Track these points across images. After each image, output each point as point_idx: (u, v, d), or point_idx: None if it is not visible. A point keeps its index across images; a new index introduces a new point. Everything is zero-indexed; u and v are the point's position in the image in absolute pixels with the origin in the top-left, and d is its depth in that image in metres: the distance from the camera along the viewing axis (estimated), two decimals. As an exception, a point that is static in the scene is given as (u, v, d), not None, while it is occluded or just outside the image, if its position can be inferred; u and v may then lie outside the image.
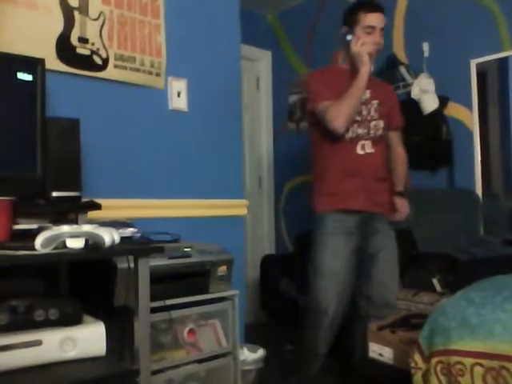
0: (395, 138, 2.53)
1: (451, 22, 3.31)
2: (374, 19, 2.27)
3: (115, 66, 2.25)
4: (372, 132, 2.35)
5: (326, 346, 2.30)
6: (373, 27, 2.26)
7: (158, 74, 2.41)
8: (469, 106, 3.22)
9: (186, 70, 2.52)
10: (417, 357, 1.75)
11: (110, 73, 2.24)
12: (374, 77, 2.42)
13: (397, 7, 3.59)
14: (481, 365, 1.56)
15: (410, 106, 3.29)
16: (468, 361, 1.59)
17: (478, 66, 3.21)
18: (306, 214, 4.09)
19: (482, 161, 3.16)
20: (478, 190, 3.13)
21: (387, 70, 3.53)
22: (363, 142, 2.33)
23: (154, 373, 1.66)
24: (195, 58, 2.56)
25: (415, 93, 3.28)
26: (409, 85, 3.40)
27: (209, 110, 2.60)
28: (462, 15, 3.26)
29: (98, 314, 1.59)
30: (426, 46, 3.38)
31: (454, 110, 3.27)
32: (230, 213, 2.60)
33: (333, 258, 2.29)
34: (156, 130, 2.41)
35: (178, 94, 2.49)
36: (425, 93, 3.23)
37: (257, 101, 4.42)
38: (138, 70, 2.33)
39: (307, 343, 2.30)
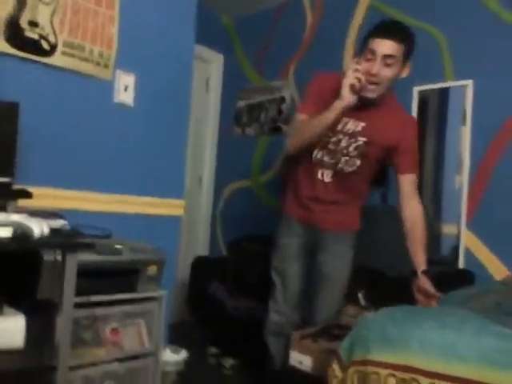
0: (407, 185, 2.16)
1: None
2: (374, 44, 1.96)
3: (63, 53, 2.20)
4: (339, 166, 2.19)
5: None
6: (373, 53, 1.96)
7: (105, 66, 2.37)
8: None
9: (136, 65, 2.49)
10: (335, 366, 1.80)
11: (57, 59, 2.19)
12: (386, 108, 2.14)
13: (350, 27, 3.69)
14: (394, 376, 1.64)
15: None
16: (383, 372, 1.66)
17: (421, 93, 3.34)
18: (243, 219, 4.14)
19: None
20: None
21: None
22: (324, 170, 2.21)
23: (72, 369, 1.63)
24: (147, 53, 2.54)
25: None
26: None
27: (155, 106, 2.58)
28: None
29: (19, 306, 1.55)
30: (373, 68, 3.49)
31: (394, 132, 3.39)
32: (166, 212, 2.58)
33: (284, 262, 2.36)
34: (99, 121, 2.37)
35: (125, 88, 2.46)
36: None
37: (204, 102, 4.42)
38: (86, 59, 2.29)
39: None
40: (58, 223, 1.80)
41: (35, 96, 2.11)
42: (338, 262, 2.32)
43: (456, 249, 3.02)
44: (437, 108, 3.49)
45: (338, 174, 2.21)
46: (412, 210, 2.16)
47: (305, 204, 2.33)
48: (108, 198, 2.36)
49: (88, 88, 2.32)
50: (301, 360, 2.01)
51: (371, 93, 2.02)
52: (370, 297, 2.63)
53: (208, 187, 4.42)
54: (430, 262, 2.91)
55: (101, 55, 2.34)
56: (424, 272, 2.11)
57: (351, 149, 2.14)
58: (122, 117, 2.45)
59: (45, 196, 2.06)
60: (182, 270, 3.65)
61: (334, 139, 2.15)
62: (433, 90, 3.35)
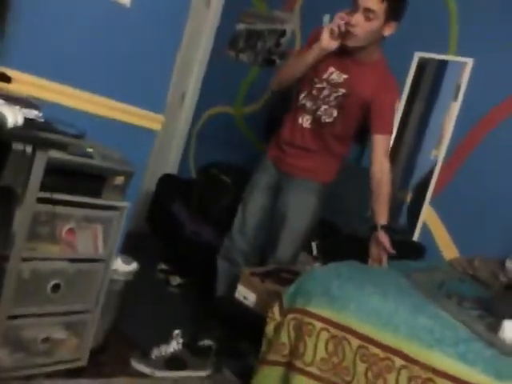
0: (377, 145, 2.25)
1: (409, 8, 3.33)
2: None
3: None
4: (318, 114, 2.29)
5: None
6: (357, 5, 2.09)
7: (109, -42, 2.24)
8: (399, 94, 3.33)
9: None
10: (275, 309, 1.89)
11: None
12: (372, 66, 2.24)
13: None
14: (328, 330, 1.73)
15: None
16: (318, 325, 1.75)
17: (420, 59, 3.30)
18: (218, 146, 4.11)
19: (392, 148, 3.31)
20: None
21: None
22: (305, 115, 2.31)
23: (24, 260, 1.65)
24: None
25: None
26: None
27: (152, 11, 2.46)
28: (421, 6, 3.30)
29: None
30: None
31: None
32: (143, 124, 2.53)
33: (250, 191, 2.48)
34: (92, 18, 2.25)
35: (125, -13, 2.34)
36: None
37: (202, 18, 4.26)
38: None
39: None
40: (33, 114, 1.76)
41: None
42: (298, 207, 2.37)
43: (414, 220, 3.10)
44: (432, 77, 3.48)
45: (315, 122, 2.30)
46: (380, 169, 2.24)
47: (281, 146, 2.42)
48: (88, 96, 2.30)
49: (86, -21, 2.20)
50: (246, 295, 2.09)
51: (350, 42, 2.15)
52: (323, 248, 2.71)
53: (189, 105, 4.35)
54: (386, 227, 3.00)
55: None
56: (384, 227, 2.18)
57: (331, 98, 2.23)
58: (116, 16, 2.34)
59: (24, 82, 1.99)
60: (148, 184, 3.64)
61: (318, 86, 2.26)
62: (433, 59, 3.32)
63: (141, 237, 3.42)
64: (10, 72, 1.83)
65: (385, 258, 2.17)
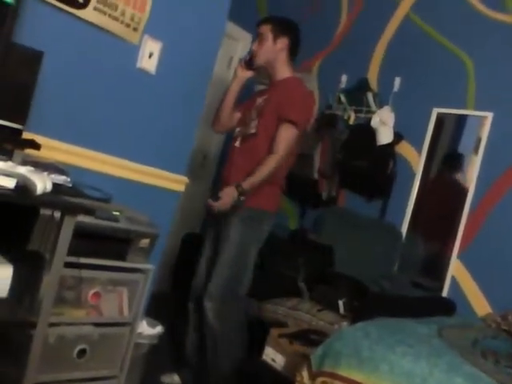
0: (277, 133, 2.38)
1: (427, 66, 3.42)
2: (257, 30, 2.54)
3: (95, 9, 2.17)
4: (246, 131, 2.48)
5: None
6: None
7: (135, 29, 2.34)
8: (419, 149, 3.35)
9: (164, 33, 2.46)
10: (304, 372, 1.83)
11: (89, 14, 2.16)
12: (286, 81, 2.51)
13: (383, 34, 3.65)
14: (359, 394, 1.66)
15: (366, 132, 3.39)
16: (348, 388, 1.69)
17: (439, 114, 3.33)
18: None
19: (415, 203, 3.30)
20: (404, 229, 3.27)
21: (356, 91, 3.61)
22: (238, 137, 2.51)
23: (50, 325, 1.63)
24: (177, 22, 2.50)
25: (375, 122, 3.37)
26: (371, 112, 3.48)
27: (176, 78, 2.56)
28: (440, 63, 3.37)
29: (8, 253, 1.55)
30: (397, 81, 3.48)
31: (405, 149, 3.40)
32: (168, 186, 2.58)
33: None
34: (118, 83, 2.35)
35: (150, 55, 2.43)
36: (383, 125, 3.32)
37: (224, 79, 4.38)
38: (116, 18, 2.26)
39: None
40: (61, 179, 1.81)
41: (60, 47, 2.08)
42: (225, 232, 2.38)
43: (443, 276, 3.04)
44: (452, 133, 3.50)
45: (243, 139, 2.48)
46: (269, 151, 2.38)
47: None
48: (113, 160, 2.35)
49: (113, 48, 2.29)
50: (274, 358, 2.04)
51: (255, 62, 2.51)
52: (350, 306, 2.65)
53: (210, 166, 4.40)
54: (415, 284, 2.95)
55: (132, 18, 2.31)
56: (238, 186, 2.29)
57: (253, 115, 2.47)
58: (141, 83, 2.43)
59: (53, 148, 2.05)
60: (171, 243, 3.64)
61: (248, 113, 2.51)
62: (451, 114, 3.35)
63: (164, 297, 3.39)
64: (38, 139, 1.89)
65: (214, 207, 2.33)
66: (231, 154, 2.53)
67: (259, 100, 2.51)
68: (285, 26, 2.52)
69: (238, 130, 2.56)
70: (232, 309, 2.34)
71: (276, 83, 2.52)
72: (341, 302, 2.65)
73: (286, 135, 2.37)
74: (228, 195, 2.29)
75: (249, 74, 2.56)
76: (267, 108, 2.43)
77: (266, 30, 2.48)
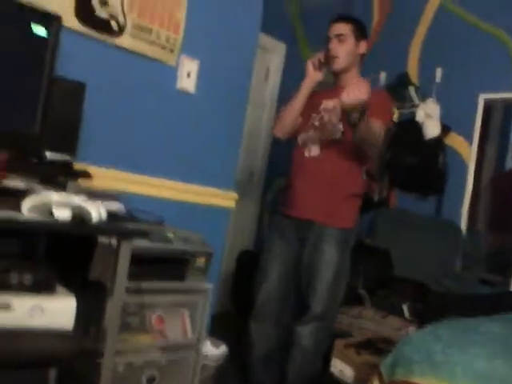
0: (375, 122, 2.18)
1: (467, 53, 3.31)
2: (329, 30, 2.38)
3: (131, 35, 2.20)
4: (325, 136, 2.30)
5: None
6: (329, 37, 2.37)
7: (171, 51, 2.36)
8: (469, 139, 3.23)
9: (200, 51, 2.47)
10: (376, 383, 1.77)
11: (125, 41, 2.19)
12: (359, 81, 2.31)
13: (418, 27, 3.57)
14: (437, 401, 1.58)
15: (412, 128, 3.29)
16: (425, 395, 1.61)
17: (486, 101, 3.21)
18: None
19: (471, 196, 3.18)
20: (463, 225, 3.16)
21: (397, 86, 3.52)
22: (312, 145, 2.32)
23: (117, 354, 1.63)
24: (211, 40, 2.52)
25: (420, 116, 3.27)
26: (415, 106, 3.39)
27: (215, 95, 2.57)
28: (480, 48, 3.26)
29: (70, 284, 1.56)
30: (438, 72, 3.37)
31: (454, 140, 3.29)
32: (218, 203, 2.58)
33: (267, 256, 2.36)
34: (159, 106, 2.37)
35: (188, 75, 2.44)
36: (429, 118, 3.23)
37: (262, 92, 4.37)
38: (152, 42, 2.28)
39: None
40: (115, 206, 1.81)
41: (100, 76, 2.12)
42: (320, 255, 2.25)
43: (510, 270, 2.90)
44: (502, 118, 3.37)
45: (324, 145, 2.29)
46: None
47: (292, 195, 2.36)
48: (162, 182, 2.37)
49: (152, 72, 2.32)
50: (342, 369, 1.98)
51: (335, 65, 2.36)
52: (415, 310, 2.56)
53: (258, 180, 4.38)
54: (481, 281, 2.82)
55: (167, 39, 2.33)
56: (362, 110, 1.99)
57: (333, 118, 2.31)
58: (182, 103, 2.44)
59: (102, 176, 2.08)
60: (227, 262, 3.64)
61: (318, 117, 2.36)
62: (499, 99, 3.22)
63: (226, 317, 3.37)
64: (89, 168, 1.92)
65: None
66: (304, 163, 2.33)
67: (329, 103, 2.35)
68: (364, 28, 2.43)
69: (304, 135, 2.37)
70: (326, 329, 2.24)
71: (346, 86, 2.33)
72: (405, 306, 2.57)
73: (380, 129, 2.19)
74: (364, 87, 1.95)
75: (321, 75, 2.41)
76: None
77: (347, 30, 2.35)
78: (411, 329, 2.33)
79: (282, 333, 2.32)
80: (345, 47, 2.34)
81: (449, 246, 3.06)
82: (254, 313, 2.35)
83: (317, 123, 2.35)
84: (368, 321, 2.52)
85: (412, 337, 1.88)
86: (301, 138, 2.38)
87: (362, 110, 1.96)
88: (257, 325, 2.35)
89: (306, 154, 2.32)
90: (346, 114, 2.05)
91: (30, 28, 1.61)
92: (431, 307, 2.52)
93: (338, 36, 2.34)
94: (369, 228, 3.45)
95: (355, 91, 1.93)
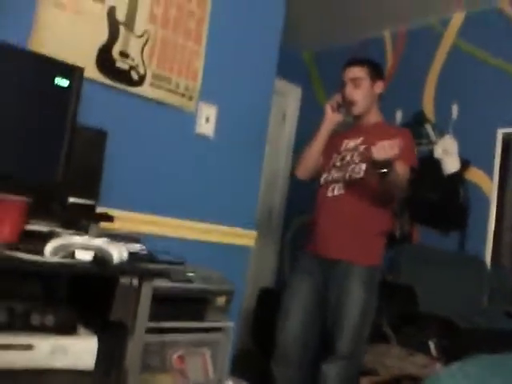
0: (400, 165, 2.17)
1: (483, 88, 3.34)
2: (344, 74, 2.38)
3: (151, 85, 2.30)
4: (348, 175, 2.29)
5: None
6: (344, 82, 2.38)
7: (190, 98, 2.45)
8: (490, 172, 3.22)
9: (218, 97, 2.56)
10: (403, 422, 1.72)
11: (145, 90, 2.28)
12: (380, 124, 2.41)
13: (433, 64, 3.63)
14: None
15: (431, 164, 3.31)
16: None
17: (505, 135, 3.22)
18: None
19: (495, 230, 3.14)
20: (487, 259, 3.11)
21: (414, 124, 3.55)
22: (334, 185, 2.32)
23: (138, 394, 1.64)
24: (228, 86, 2.60)
25: (438, 152, 3.29)
26: (432, 143, 3.41)
27: (233, 139, 2.64)
28: (495, 82, 3.29)
29: (91, 325, 1.59)
30: (454, 108, 3.41)
31: (475, 174, 3.28)
32: (238, 242, 2.61)
33: (290, 296, 2.32)
34: (179, 151, 2.45)
35: (207, 120, 2.52)
36: (447, 154, 3.24)
37: (280, 133, 4.45)
38: (172, 91, 2.37)
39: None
40: (136, 247, 1.86)
41: (122, 124, 2.20)
42: (346, 295, 2.22)
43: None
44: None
45: (346, 185, 2.28)
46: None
47: (317, 234, 2.35)
48: (183, 223, 2.42)
49: (172, 119, 2.41)
50: (367, 408, 1.94)
51: (354, 110, 2.37)
52: (442, 347, 2.51)
53: (278, 218, 4.42)
54: (509, 314, 2.74)
55: (186, 88, 2.43)
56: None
57: (355, 157, 2.30)
58: (201, 148, 2.52)
59: (124, 219, 2.14)
60: (247, 300, 3.63)
61: (339, 157, 2.37)
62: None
63: (247, 356, 3.34)
64: (111, 211, 1.97)
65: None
66: (327, 203, 2.33)
67: (350, 143, 2.37)
68: (379, 68, 2.45)
69: (326, 175, 2.38)
70: (353, 369, 2.22)
71: (370, 126, 2.37)
72: (431, 343, 2.51)
73: (405, 172, 2.20)
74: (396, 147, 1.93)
75: (339, 117, 2.42)
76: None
77: (362, 73, 2.35)
78: (438, 366, 2.27)
79: (306, 375, 2.28)
80: (361, 91, 2.34)
81: (474, 281, 3.01)
82: (277, 356, 2.31)
83: (338, 163, 2.36)
84: (394, 358, 2.46)
85: (440, 375, 1.83)
86: (323, 178, 2.39)
87: (392, 164, 1.98)
88: (280, 368, 2.32)
89: (329, 194, 2.33)
90: (374, 165, 2.04)
91: (54, 79, 1.70)
92: (458, 343, 2.46)
93: (354, 80, 2.34)
94: (390, 264, 3.42)
95: (387, 150, 1.92)
